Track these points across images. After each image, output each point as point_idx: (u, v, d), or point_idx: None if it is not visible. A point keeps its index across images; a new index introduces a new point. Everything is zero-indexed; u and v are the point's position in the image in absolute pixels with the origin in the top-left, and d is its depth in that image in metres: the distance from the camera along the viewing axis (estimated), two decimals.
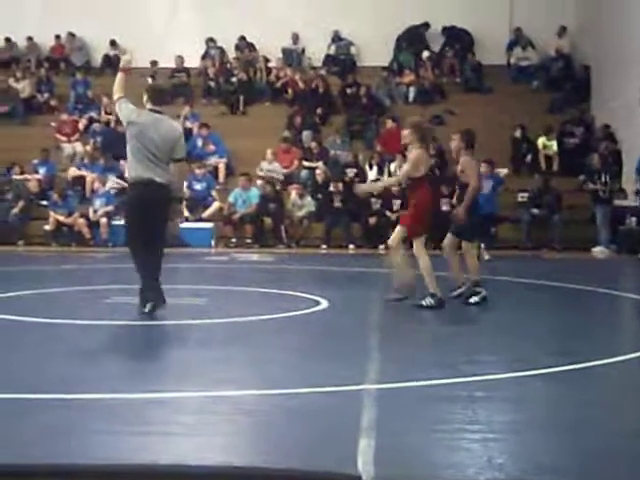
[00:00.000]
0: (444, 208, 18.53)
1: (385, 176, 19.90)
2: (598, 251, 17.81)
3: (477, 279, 10.12)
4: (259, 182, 19.67)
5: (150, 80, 23.49)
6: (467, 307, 10.41)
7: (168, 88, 9.46)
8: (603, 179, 18.16)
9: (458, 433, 4.91)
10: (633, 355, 7.34)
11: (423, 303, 9.77)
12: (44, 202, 19.91)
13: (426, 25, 23.89)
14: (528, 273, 14.25)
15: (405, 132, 10.09)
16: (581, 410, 5.59)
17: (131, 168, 9.21)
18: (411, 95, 23.07)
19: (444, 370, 6.54)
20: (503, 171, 16.92)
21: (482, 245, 16.75)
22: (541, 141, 20.42)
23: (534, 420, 5.39)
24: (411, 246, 10.06)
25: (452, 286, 10.46)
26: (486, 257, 16.55)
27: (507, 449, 4.70)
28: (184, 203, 18.87)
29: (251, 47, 24.26)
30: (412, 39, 23.88)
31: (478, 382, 6.19)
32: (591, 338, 8.43)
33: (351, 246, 18.60)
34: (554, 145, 20.38)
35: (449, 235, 10.29)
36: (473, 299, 10.03)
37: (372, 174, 19.98)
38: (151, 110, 9.27)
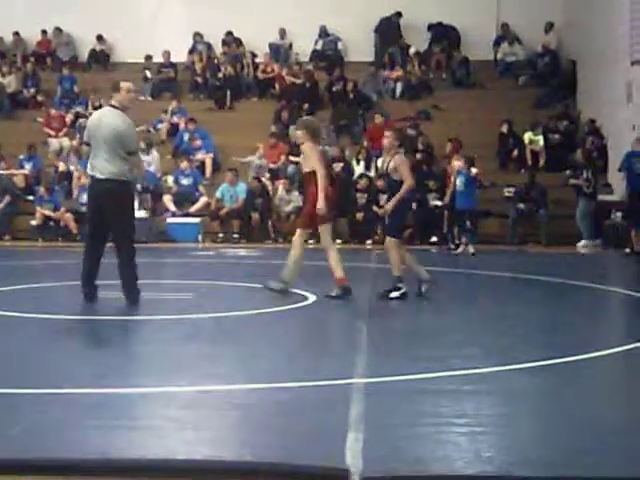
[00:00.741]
0: (433, 203, 18.62)
1: (372, 171, 19.91)
2: (581, 246, 17.89)
3: (400, 275, 10.09)
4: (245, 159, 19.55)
5: (148, 73, 23.49)
6: (454, 301, 10.46)
7: (117, 81, 9.63)
8: (586, 175, 18.21)
9: (446, 427, 4.93)
10: (619, 349, 7.38)
11: (332, 294, 9.96)
12: (30, 197, 19.85)
13: (398, 14, 23.81)
14: (514, 268, 14.31)
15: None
16: (569, 403, 5.62)
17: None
18: (398, 90, 23.10)
19: (432, 364, 6.56)
20: (473, 170, 17.02)
21: (464, 239, 16.84)
22: (527, 136, 20.48)
23: (522, 413, 5.42)
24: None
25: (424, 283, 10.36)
26: (471, 251, 16.62)
27: (495, 442, 4.72)
28: (165, 202, 18.83)
29: (238, 42, 24.23)
30: (388, 32, 23.85)
31: (465, 376, 6.21)
32: (577, 332, 8.47)
33: (338, 241, 18.60)
34: (540, 140, 20.44)
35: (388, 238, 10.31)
36: (393, 294, 10.00)
37: (359, 169, 20.00)
38: (110, 106, 9.54)
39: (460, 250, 16.74)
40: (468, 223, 16.98)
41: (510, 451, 4.58)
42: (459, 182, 16.90)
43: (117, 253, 9.50)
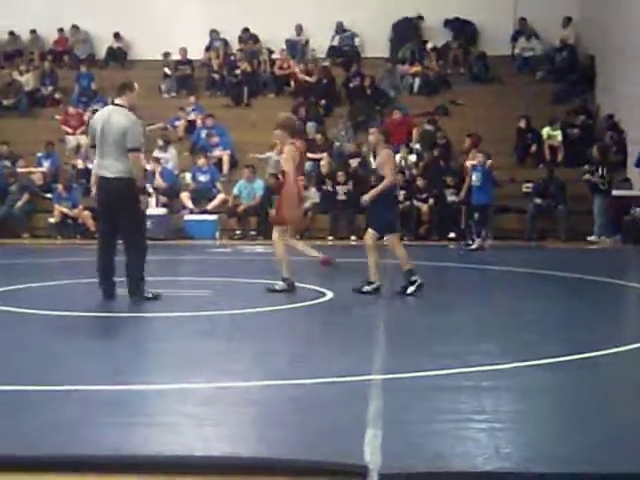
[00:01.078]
0: (451, 199, 18.55)
1: None
2: (593, 240, 17.78)
3: (410, 268, 10.09)
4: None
5: (167, 70, 23.51)
6: (472, 297, 10.43)
7: (127, 81, 9.70)
8: (601, 171, 18.09)
9: (465, 423, 4.90)
10: (638, 345, 7.32)
11: (277, 287, 10.10)
12: (48, 195, 19.91)
13: (420, 18, 23.79)
14: (532, 263, 14.23)
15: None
16: (586, 399, 5.58)
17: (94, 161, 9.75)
18: (416, 86, 23.04)
19: (450, 360, 6.53)
20: (488, 162, 16.97)
21: (483, 234, 16.77)
22: (545, 131, 20.38)
23: (540, 409, 5.38)
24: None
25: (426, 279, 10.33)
26: (486, 246, 16.58)
27: (514, 439, 4.69)
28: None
29: (254, 39, 24.22)
30: (407, 30, 23.79)
31: (484, 372, 6.17)
32: (596, 328, 8.42)
33: (353, 237, 18.58)
34: (559, 135, 20.33)
35: (368, 229, 10.30)
36: (410, 289, 9.98)
37: (376, 164, 19.94)
38: (114, 104, 9.62)
39: (475, 245, 16.66)
40: (476, 215, 16.90)
41: (529, 447, 4.55)
42: (475, 177, 16.85)
43: (125, 250, 9.54)
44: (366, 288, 10.04)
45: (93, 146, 9.70)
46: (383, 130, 10.52)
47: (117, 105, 9.57)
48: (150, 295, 9.54)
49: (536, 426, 4.97)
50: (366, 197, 10.28)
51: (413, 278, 10.01)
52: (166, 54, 23.78)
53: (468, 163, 18.04)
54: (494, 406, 5.37)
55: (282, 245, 10.43)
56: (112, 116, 9.44)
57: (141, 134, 9.73)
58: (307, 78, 22.94)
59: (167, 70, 23.74)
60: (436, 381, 5.92)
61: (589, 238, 17.91)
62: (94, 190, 9.76)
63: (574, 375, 6.25)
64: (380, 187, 10.07)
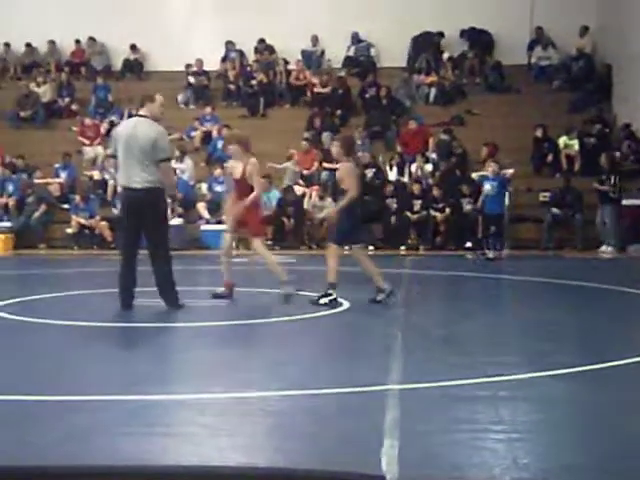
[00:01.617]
0: (467, 208, 18.52)
1: (406, 177, 19.87)
2: (602, 250, 17.66)
3: (334, 282, 10.04)
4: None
5: (192, 79, 23.57)
6: (489, 307, 10.39)
7: (148, 94, 9.82)
8: (613, 180, 18.02)
9: (482, 433, 4.88)
10: None
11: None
12: (66, 205, 20.00)
13: (440, 34, 23.80)
14: (549, 272, 14.19)
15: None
16: (603, 410, 5.55)
17: (118, 173, 9.77)
18: (432, 96, 23.03)
19: (467, 370, 6.51)
20: (508, 171, 16.99)
21: (499, 244, 16.73)
22: (562, 140, 20.33)
23: (558, 420, 5.36)
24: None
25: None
26: (503, 255, 16.55)
27: (532, 449, 4.67)
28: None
29: (270, 49, 24.28)
30: (427, 45, 23.82)
31: (501, 382, 6.15)
32: (612, 338, 8.37)
33: (371, 247, 18.57)
34: (575, 145, 20.27)
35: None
36: (323, 300, 9.94)
37: (392, 174, 19.95)
38: (139, 115, 9.68)
39: (491, 255, 16.62)
40: (493, 228, 16.91)
41: (546, 457, 4.52)
42: (489, 187, 16.87)
43: (153, 260, 9.56)
44: (380, 296, 10.02)
45: (114, 156, 9.73)
46: (344, 142, 10.39)
47: (141, 116, 9.60)
48: (183, 303, 9.62)
49: (553, 436, 4.95)
50: (332, 213, 10.33)
51: (331, 291, 10.00)
52: (188, 65, 23.84)
53: (474, 175, 18.11)
54: (511, 416, 5.34)
55: (266, 250, 10.62)
56: (138, 127, 9.46)
57: (169, 144, 9.81)
58: (323, 90, 22.95)
59: (191, 79, 23.76)
60: (453, 391, 5.90)
61: (600, 249, 17.75)
62: (116, 201, 9.86)
63: (591, 385, 6.22)
64: (344, 201, 9.97)
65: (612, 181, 18.05)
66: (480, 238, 17.68)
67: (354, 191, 9.92)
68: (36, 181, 20.36)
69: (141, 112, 9.66)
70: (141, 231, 9.55)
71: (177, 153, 20.28)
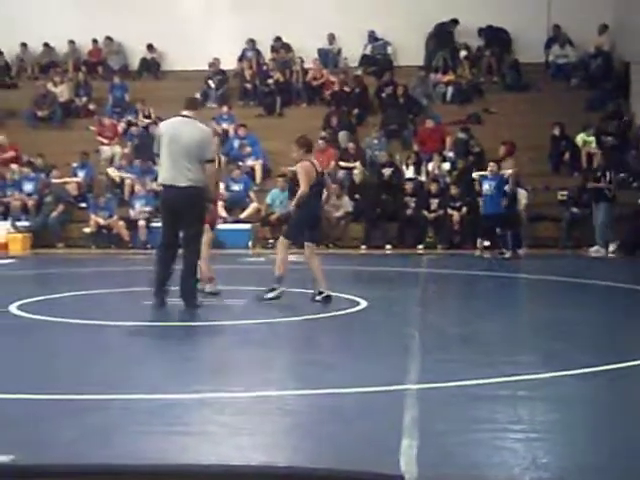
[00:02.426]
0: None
1: (423, 175, 19.85)
2: (594, 250, 17.38)
3: (281, 275, 10.16)
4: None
5: (211, 83, 23.55)
6: (507, 306, 10.37)
7: (198, 97, 10.02)
8: (608, 177, 17.80)
9: (501, 433, 4.87)
10: None
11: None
12: (83, 205, 20.07)
13: (454, 22, 23.71)
14: (568, 271, 14.14)
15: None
16: (623, 409, 5.54)
17: (159, 172, 9.77)
18: (448, 94, 22.99)
19: (485, 369, 6.50)
20: (507, 171, 16.98)
21: (513, 243, 16.71)
22: (580, 137, 20.20)
23: (577, 419, 5.35)
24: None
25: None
26: (521, 254, 16.53)
27: (551, 448, 4.66)
28: (219, 204, 18.82)
29: (287, 48, 24.28)
30: (441, 37, 23.75)
31: (520, 381, 6.14)
32: (632, 337, 8.34)
33: (388, 246, 18.56)
34: (593, 142, 20.15)
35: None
36: (268, 295, 10.07)
37: (409, 173, 19.93)
38: (182, 116, 9.71)
39: (507, 255, 16.57)
40: (498, 230, 16.93)
41: (565, 457, 4.52)
42: (487, 187, 16.90)
43: (183, 258, 9.60)
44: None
45: (157, 155, 9.82)
46: (302, 142, 10.47)
47: (185, 117, 9.66)
48: (201, 303, 9.67)
49: (572, 436, 4.94)
50: (291, 210, 10.54)
51: (276, 285, 10.11)
52: (211, 64, 23.83)
53: (475, 174, 18.10)
54: (530, 416, 5.33)
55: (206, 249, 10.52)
56: (183, 127, 9.54)
57: (212, 144, 9.90)
58: (340, 88, 22.92)
59: (211, 83, 23.75)
60: (471, 390, 5.89)
61: (591, 249, 17.42)
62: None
63: (610, 385, 6.20)
64: (296, 199, 10.30)
65: (607, 178, 17.81)
66: (496, 237, 17.60)
67: (304, 188, 10.12)
68: (54, 181, 20.43)
69: (185, 112, 9.70)
70: (179, 229, 9.59)
71: None
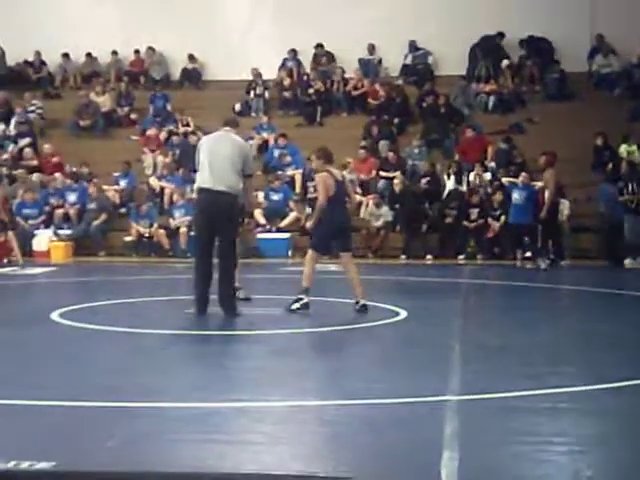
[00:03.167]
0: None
1: (464, 185, 19.73)
2: (627, 263, 16.91)
3: (307, 287, 10.15)
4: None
5: (258, 90, 23.65)
6: (547, 317, 10.27)
7: (234, 116, 10.45)
8: (631, 188, 17.51)
9: (544, 445, 4.81)
10: None
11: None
12: (123, 211, 20.20)
13: (501, 35, 23.63)
14: (609, 283, 13.98)
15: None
16: None
17: (198, 178, 9.97)
18: (490, 104, 22.86)
19: (527, 381, 6.43)
20: (538, 184, 16.87)
21: (546, 253, 16.58)
22: (623, 148, 19.96)
23: (620, 432, 5.26)
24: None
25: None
26: (563, 265, 16.38)
27: (594, 462, 4.59)
28: (256, 217, 18.83)
29: (330, 57, 24.30)
30: (488, 49, 23.65)
31: (562, 394, 6.07)
32: None
33: (428, 256, 18.47)
34: (636, 151, 19.87)
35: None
36: (294, 306, 10.02)
37: (450, 183, 19.83)
38: (224, 131, 10.04)
39: (543, 266, 16.40)
40: (527, 239, 16.80)
41: (611, 471, 4.45)
42: (517, 196, 16.78)
43: (220, 266, 9.70)
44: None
45: (195, 170, 10.05)
46: (321, 153, 10.46)
47: (227, 132, 9.97)
48: (240, 311, 9.74)
49: (616, 449, 4.86)
50: (310, 227, 10.55)
51: (301, 296, 10.09)
52: (257, 74, 23.89)
53: (504, 180, 17.96)
54: (573, 428, 5.27)
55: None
56: (227, 139, 9.84)
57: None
58: (381, 98, 22.89)
59: (258, 91, 23.80)
60: (513, 402, 5.83)
61: (625, 262, 16.98)
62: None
63: None
64: (315, 211, 10.35)
65: (630, 188, 17.53)
66: (536, 248, 17.42)
67: (322, 200, 10.17)
68: (90, 192, 20.37)
69: (227, 128, 10.02)
70: (214, 235, 9.68)
71: None
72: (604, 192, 17.50)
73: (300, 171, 21.01)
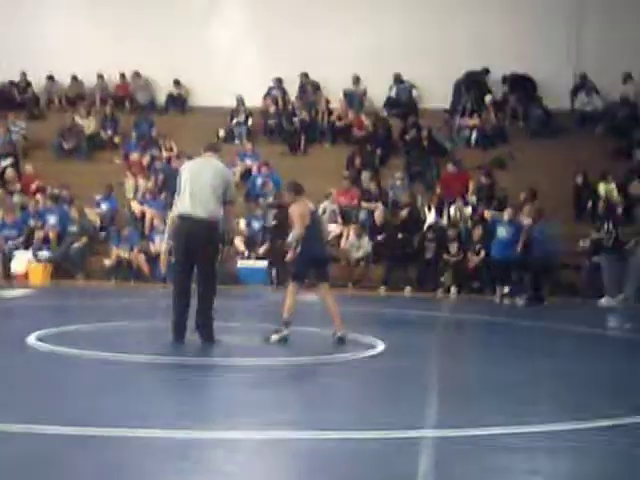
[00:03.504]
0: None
1: (444, 218, 19.79)
2: (604, 301, 16.92)
3: (288, 319, 10.11)
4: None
5: (235, 120, 23.69)
6: (527, 355, 10.28)
7: (216, 142, 10.51)
8: (607, 227, 17.61)
9: None
10: None
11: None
12: (102, 234, 20.14)
13: (486, 71, 23.83)
14: (588, 321, 14.01)
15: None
16: None
17: (178, 204, 9.90)
18: (473, 138, 23.00)
19: (504, 418, 6.42)
20: (527, 220, 16.97)
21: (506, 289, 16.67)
22: (602, 187, 20.05)
23: (597, 472, 5.25)
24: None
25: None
26: (520, 302, 16.42)
27: None
28: (236, 244, 18.80)
29: (315, 86, 24.41)
30: (472, 84, 23.83)
31: (538, 432, 6.05)
32: None
33: (407, 288, 18.48)
34: (614, 190, 19.95)
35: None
36: (273, 337, 10.00)
37: (431, 216, 19.89)
38: (207, 157, 10.05)
39: (522, 302, 16.43)
40: (513, 275, 16.87)
41: None
42: (503, 231, 16.87)
43: (199, 293, 9.69)
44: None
45: (175, 193, 10.06)
46: (291, 186, 10.59)
47: (210, 157, 9.98)
48: (217, 339, 9.72)
49: None
50: (289, 258, 10.45)
51: (282, 328, 10.06)
52: (240, 101, 23.95)
53: (487, 213, 18.07)
54: (549, 467, 5.25)
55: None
56: (209, 165, 9.84)
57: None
58: (366, 129, 22.99)
59: (240, 118, 23.84)
60: (490, 439, 5.81)
61: (600, 301, 16.95)
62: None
63: (631, 438, 6.10)
64: (292, 241, 10.31)
65: (606, 228, 17.63)
66: (515, 284, 17.45)
67: (299, 229, 10.17)
68: (71, 215, 20.30)
69: (207, 154, 10.03)
70: (195, 262, 9.65)
71: None
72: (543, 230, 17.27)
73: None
